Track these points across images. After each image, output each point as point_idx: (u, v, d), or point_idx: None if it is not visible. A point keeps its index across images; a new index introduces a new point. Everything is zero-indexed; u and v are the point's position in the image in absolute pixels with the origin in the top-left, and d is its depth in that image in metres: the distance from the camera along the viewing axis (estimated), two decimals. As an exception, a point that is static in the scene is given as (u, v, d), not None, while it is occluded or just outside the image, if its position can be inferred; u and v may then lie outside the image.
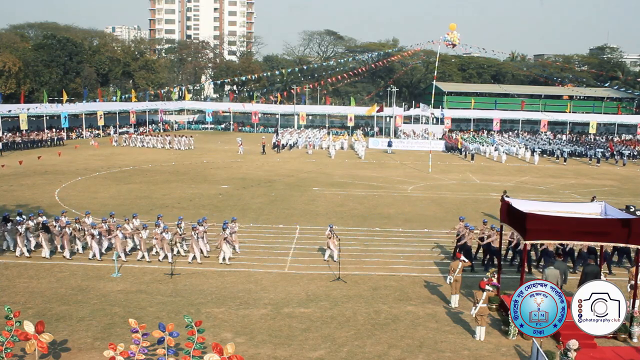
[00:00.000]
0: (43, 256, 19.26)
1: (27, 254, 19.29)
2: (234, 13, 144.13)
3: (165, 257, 18.95)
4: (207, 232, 19.75)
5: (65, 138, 56.29)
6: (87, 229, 19.68)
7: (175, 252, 19.48)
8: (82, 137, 60.62)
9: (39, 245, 19.79)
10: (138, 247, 19.73)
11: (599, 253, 17.28)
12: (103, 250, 19.54)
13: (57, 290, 16.35)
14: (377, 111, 67.69)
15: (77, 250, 19.83)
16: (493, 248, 18.67)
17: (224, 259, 18.96)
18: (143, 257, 19.19)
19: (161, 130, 66.97)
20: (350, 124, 70.27)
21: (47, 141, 53.46)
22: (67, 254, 19.21)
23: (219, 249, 19.09)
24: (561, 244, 18.53)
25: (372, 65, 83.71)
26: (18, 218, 20.34)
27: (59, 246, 19.69)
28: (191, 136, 54.73)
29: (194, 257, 19.04)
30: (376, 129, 71.29)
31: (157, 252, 19.30)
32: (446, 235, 22.15)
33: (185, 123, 78.29)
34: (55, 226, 19.70)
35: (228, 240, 19.08)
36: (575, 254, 19.56)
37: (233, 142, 53.41)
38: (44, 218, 20.54)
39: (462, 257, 16.33)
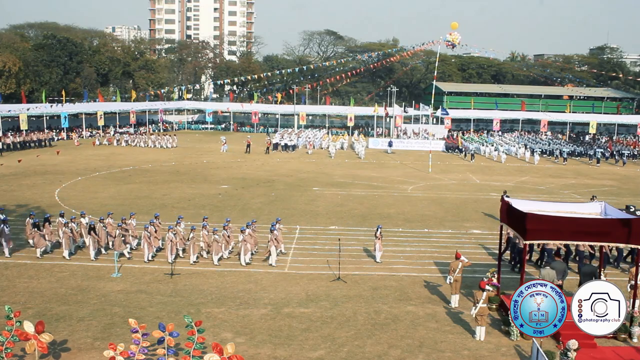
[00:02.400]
0: (63, 256, 19.23)
1: (67, 257, 19.18)
2: (234, 13, 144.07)
3: (221, 257, 19.10)
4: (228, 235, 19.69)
5: (55, 139, 54.98)
6: (131, 230, 19.94)
7: (226, 255, 19.43)
8: (71, 138, 58.62)
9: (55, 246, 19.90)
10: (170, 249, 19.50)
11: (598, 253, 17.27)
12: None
13: (57, 290, 16.35)
14: (385, 115, 67.57)
15: (131, 249, 19.92)
16: (519, 248, 18.69)
17: (268, 259, 18.98)
18: (197, 259, 19.06)
19: (161, 130, 66.96)
20: (350, 124, 70.26)
21: (37, 142, 51.61)
22: (126, 252, 19.33)
23: (267, 251, 19.09)
24: (565, 245, 18.58)
25: (372, 66, 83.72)
26: (61, 219, 20.35)
27: (103, 247, 19.78)
28: (175, 134, 56.85)
29: (220, 258, 19.09)
30: (379, 129, 71.02)
31: (205, 253, 19.27)
32: (446, 235, 22.15)
33: (185, 123, 78.28)
34: (103, 227, 19.91)
35: (278, 240, 19.16)
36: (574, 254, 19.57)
37: (233, 142, 53.43)
38: (87, 219, 20.65)
39: (462, 257, 16.33)
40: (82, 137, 59.64)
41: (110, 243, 19.99)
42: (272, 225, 19.51)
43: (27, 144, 50.84)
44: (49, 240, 19.65)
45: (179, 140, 55.34)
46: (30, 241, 20.06)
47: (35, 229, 19.45)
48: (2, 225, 19.35)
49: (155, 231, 19.58)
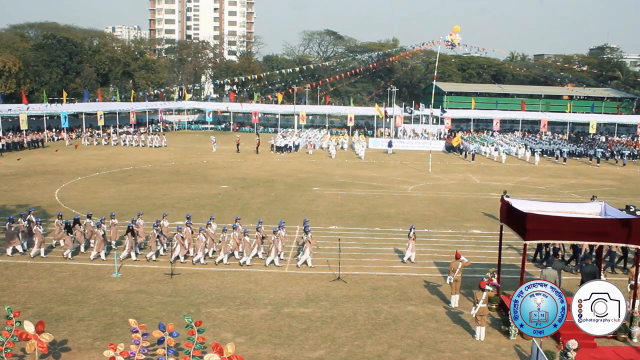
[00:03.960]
0: (65, 256, 19.22)
1: (103, 257, 19.14)
2: (234, 13, 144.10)
3: (254, 256, 19.09)
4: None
5: (45, 140, 54.02)
6: (140, 230, 19.99)
7: (253, 255, 19.38)
8: (62, 139, 57.60)
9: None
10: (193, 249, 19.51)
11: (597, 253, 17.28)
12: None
13: (57, 290, 16.35)
14: (385, 116, 67.49)
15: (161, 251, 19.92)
16: (579, 247, 18.82)
17: (305, 262, 18.98)
18: (222, 260, 19.01)
19: (161, 130, 66.97)
20: (350, 124, 70.27)
21: (30, 143, 50.67)
22: (152, 255, 19.33)
23: (302, 253, 19.09)
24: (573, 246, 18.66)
25: (372, 66, 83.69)
26: (90, 221, 20.32)
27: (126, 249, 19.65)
28: (164, 134, 58.59)
29: (245, 261, 19.04)
30: (386, 129, 70.82)
31: (239, 253, 19.24)
32: (446, 235, 22.15)
33: (184, 123, 78.28)
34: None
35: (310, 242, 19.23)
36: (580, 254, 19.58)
37: (232, 142, 53.43)
38: (115, 220, 20.75)
39: (462, 257, 16.33)
40: (80, 137, 59.42)
41: (114, 243, 20.01)
42: (307, 227, 19.48)
43: (18, 145, 49.53)
44: (78, 241, 19.55)
45: (178, 140, 55.70)
46: (61, 242, 20.07)
47: (66, 231, 19.38)
48: (35, 226, 19.35)
49: (192, 232, 19.51)
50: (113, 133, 60.66)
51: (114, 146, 54.52)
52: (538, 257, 20.32)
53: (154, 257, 19.25)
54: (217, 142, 52.26)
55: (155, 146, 53.57)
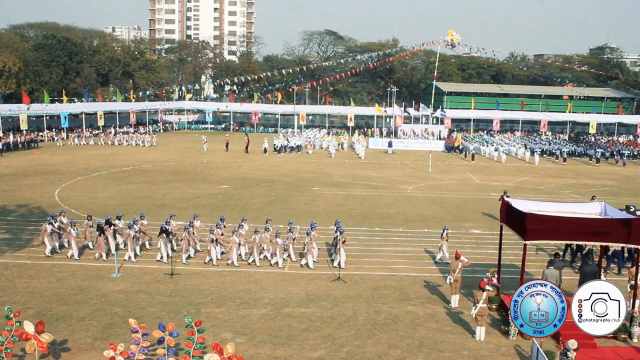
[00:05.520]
0: (95, 257, 19.17)
1: (133, 259, 19.05)
2: (234, 13, 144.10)
3: (277, 261, 18.96)
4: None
5: (39, 140, 53.05)
6: (196, 232, 19.94)
7: (286, 257, 19.37)
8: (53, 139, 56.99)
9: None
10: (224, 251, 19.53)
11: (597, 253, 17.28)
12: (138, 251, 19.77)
13: (57, 290, 16.34)
14: (386, 115, 67.53)
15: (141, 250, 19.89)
16: (617, 251, 18.89)
17: (339, 263, 18.91)
18: (254, 261, 18.93)
19: (150, 130, 66.78)
20: (350, 124, 70.27)
21: (23, 143, 49.88)
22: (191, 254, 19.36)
23: (337, 254, 18.97)
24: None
25: (372, 66, 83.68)
26: (119, 222, 20.30)
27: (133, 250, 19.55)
28: (154, 134, 59.81)
29: (277, 262, 18.97)
30: (385, 129, 70.77)
31: (269, 255, 19.18)
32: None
33: (184, 123, 78.26)
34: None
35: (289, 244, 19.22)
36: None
37: (233, 142, 53.45)
38: (145, 221, 20.75)
39: (462, 257, 16.33)
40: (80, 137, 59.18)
41: (122, 244, 20.04)
42: (311, 227, 19.38)
43: (12, 145, 48.70)
44: (108, 243, 19.44)
45: (178, 140, 55.55)
46: (90, 243, 20.06)
47: (99, 232, 19.30)
48: (69, 228, 19.29)
49: (222, 234, 19.43)
50: (108, 133, 60.53)
51: (110, 145, 54.64)
52: (568, 257, 20.28)
53: (185, 259, 19.08)
54: (208, 141, 52.34)
55: (147, 145, 54.05)
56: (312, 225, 19.61)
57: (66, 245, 19.72)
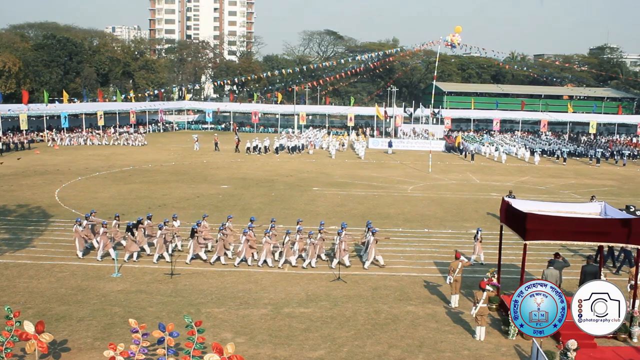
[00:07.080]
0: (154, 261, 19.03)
1: (168, 259, 18.89)
2: (234, 13, 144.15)
3: (309, 263, 18.92)
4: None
5: (31, 141, 52.17)
6: (149, 231, 19.82)
7: (324, 258, 19.35)
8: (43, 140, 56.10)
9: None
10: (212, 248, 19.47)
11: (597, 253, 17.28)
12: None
13: (57, 290, 16.34)
14: (385, 116, 67.37)
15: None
16: (627, 249, 18.87)
17: (372, 262, 18.81)
18: (265, 262, 18.83)
19: (161, 130, 66.81)
20: (350, 124, 70.27)
21: (16, 144, 49.10)
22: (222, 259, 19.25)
23: (366, 254, 18.95)
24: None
25: (372, 66, 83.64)
26: (150, 222, 20.16)
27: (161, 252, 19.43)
28: (144, 133, 61.06)
29: (310, 262, 18.94)
30: (387, 128, 70.67)
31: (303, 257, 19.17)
32: (446, 235, 22.15)
33: (184, 123, 78.26)
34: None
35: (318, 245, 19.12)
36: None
37: (231, 142, 53.46)
38: (177, 222, 20.70)
39: (462, 257, 16.33)
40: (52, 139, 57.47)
41: (179, 245, 20.01)
42: (340, 229, 19.28)
43: (6, 146, 48.03)
44: (139, 243, 19.34)
45: (178, 140, 55.58)
46: (123, 242, 19.90)
47: (129, 233, 19.22)
48: (101, 228, 19.24)
49: (254, 235, 19.33)
50: (105, 133, 60.58)
51: (105, 145, 54.80)
52: (605, 260, 20.23)
53: (222, 260, 19.00)
54: (199, 140, 52.60)
55: (138, 145, 54.87)
56: (342, 226, 19.56)
57: (95, 244, 19.72)
